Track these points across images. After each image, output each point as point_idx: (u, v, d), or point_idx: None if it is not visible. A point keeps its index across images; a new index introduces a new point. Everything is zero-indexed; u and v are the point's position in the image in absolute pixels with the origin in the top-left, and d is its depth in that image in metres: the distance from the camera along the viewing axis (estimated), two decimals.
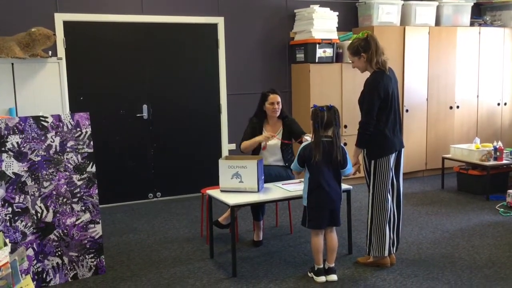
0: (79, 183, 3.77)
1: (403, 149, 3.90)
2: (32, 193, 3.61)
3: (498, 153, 5.85)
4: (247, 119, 4.71)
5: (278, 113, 4.56)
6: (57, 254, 3.74)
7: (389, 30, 6.62)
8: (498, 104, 7.48)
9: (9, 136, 3.51)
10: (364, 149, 3.80)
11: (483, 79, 7.30)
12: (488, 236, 4.60)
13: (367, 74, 3.86)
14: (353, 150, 3.84)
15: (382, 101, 3.68)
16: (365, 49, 3.75)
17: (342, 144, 3.69)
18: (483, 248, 4.31)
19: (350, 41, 3.92)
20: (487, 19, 7.50)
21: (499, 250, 4.24)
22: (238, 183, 3.97)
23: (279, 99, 4.54)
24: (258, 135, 4.53)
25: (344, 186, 3.98)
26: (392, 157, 3.77)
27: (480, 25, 7.30)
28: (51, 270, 3.74)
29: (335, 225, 3.72)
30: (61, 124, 3.68)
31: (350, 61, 3.93)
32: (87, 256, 3.85)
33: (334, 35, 6.36)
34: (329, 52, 6.31)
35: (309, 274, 3.78)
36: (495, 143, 5.97)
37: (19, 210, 3.58)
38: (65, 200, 3.73)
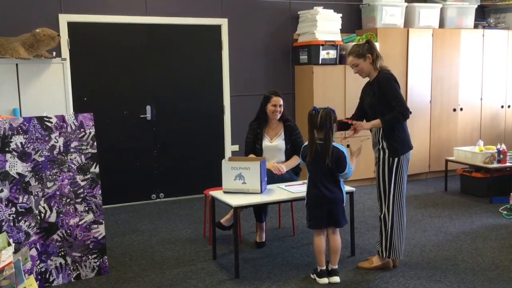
0: (82, 183, 3.78)
1: None
2: (36, 193, 3.62)
3: (501, 156, 5.84)
4: (250, 121, 4.71)
5: (279, 116, 4.57)
6: (60, 254, 3.75)
7: (392, 32, 6.62)
8: (502, 106, 7.46)
9: (13, 137, 3.53)
10: (386, 150, 3.75)
11: (486, 82, 7.29)
12: (491, 238, 4.59)
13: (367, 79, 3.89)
14: (376, 121, 3.74)
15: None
16: (370, 51, 3.77)
17: (343, 148, 3.67)
18: (486, 250, 4.30)
19: (350, 48, 3.94)
20: (491, 21, 7.49)
21: (502, 253, 4.23)
22: (241, 184, 3.98)
23: (281, 102, 4.55)
24: (259, 139, 4.56)
25: (347, 187, 3.97)
26: (410, 154, 3.82)
27: (484, 27, 7.30)
28: (54, 270, 3.75)
29: (336, 226, 3.72)
30: (65, 125, 3.69)
31: (352, 66, 3.88)
32: (90, 257, 3.85)
33: (337, 37, 6.36)
34: (332, 54, 6.31)
35: (312, 276, 3.78)
36: (498, 146, 5.96)
37: (23, 210, 3.59)
38: (68, 200, 3.73)
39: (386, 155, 3.75)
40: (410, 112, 3.70)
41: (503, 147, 5.91)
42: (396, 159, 3.73)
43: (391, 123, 3.73)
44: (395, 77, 3.76)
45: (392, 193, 3.77)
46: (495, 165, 5.83)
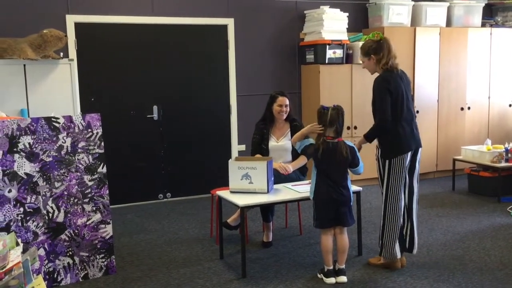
0: (90, 183, 3.79)
1: (420, 149, 3.85)
2: (44, 193, 3.64)
3: (509, 155, 5.80)
4: (257, 120, 4.71)
5: (285, 116, 4.57)
6: (68, 254, 3.77)
7: (399, 31, 6.59)
8: (510, 105, 7.42)
9: (21, 137, 3.55)
10: (379, 150, 3.79)
11: (494, 80, 7.25)
12: (499, 238, 4.57)
13: (376, 75, 3.86)
14: (360, 139, 3.88)
15: (392, 99, 3.66)
16: (375, 51, 3.75)
17: (351, 143, 3.71)
18: (494, 250, 4.28)
19: (362, 41, 3.94)
20: (499, 19, 7.44)
21: (510, 253, 4.21)
22: (247, 184, 3.98)
23: (287, 102, 4.54)
24: (266, 139, 4.55)
25: (354, 187, 3.97)
26: (408, 157, 3.75)
27: (491, 25, 7.26)
28: (62, 270, 3.77)
29: (343, 226, 3.72)
30: (73, 125, 3.70)
31: (361, 61, 3.95)
32: (97, 256, 3.87)
33: (344, 36, 6.35)
34: (339, 53, 6.30)
35: (319, 275, 3.78)
36: (506, 145, 5.93)
37: (31, 210, 3.61)
38: (76, 200, 3.75)
39: (379, 154, 3.80)
40: (387, 122, 3.64)
41: (511, 146, 5.88)
42: (387, 161, 3.74)
43: (373, 136, 3.78)
44: (389, 79, 3.68)
45: (385, 193, 3.80)
46: (503, 164, 5.79)
